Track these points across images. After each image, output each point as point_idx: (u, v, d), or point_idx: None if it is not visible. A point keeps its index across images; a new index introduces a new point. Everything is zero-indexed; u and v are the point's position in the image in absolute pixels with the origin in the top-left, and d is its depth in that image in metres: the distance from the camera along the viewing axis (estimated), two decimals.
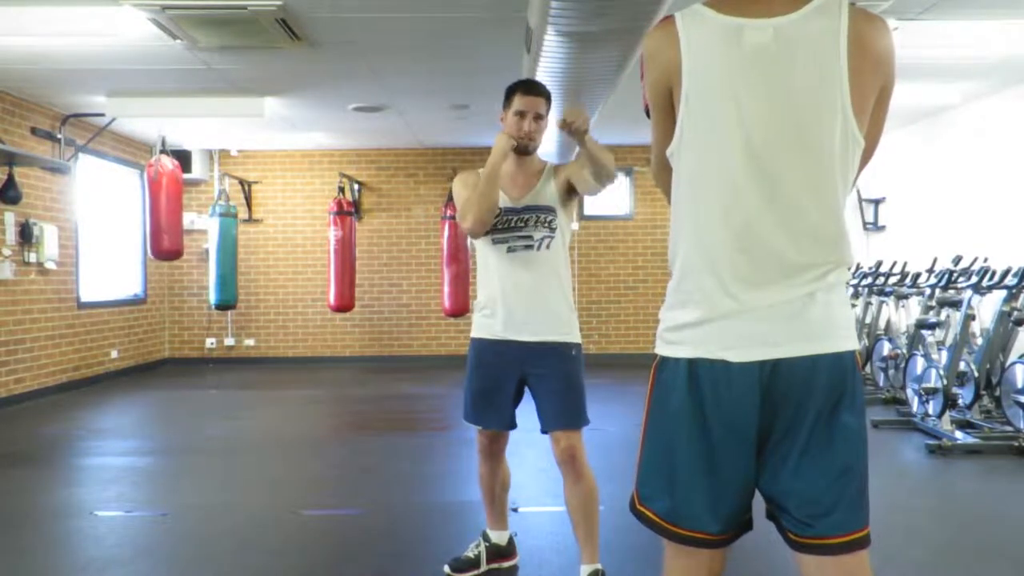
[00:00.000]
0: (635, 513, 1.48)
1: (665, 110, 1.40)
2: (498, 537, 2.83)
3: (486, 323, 2.60)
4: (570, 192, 2.59)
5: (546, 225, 2.54)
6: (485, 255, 2.60)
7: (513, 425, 2.63)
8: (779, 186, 1.33)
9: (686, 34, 1.34)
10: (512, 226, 2.53)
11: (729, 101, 1.32)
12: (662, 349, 1.45)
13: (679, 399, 1.39)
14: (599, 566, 2.56)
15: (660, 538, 1.45)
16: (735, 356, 1.34)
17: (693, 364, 1.37)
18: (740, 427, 1.36)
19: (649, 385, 1.47)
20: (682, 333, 1.40)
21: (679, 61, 1.34)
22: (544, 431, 2.56)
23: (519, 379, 2.57)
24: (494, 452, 2.71)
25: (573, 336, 2.58)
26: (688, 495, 1.39)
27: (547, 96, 2.56)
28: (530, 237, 2.52)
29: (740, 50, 1.31)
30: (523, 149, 2.54)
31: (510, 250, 2.53)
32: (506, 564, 2.83)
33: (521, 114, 2.51)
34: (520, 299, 2.52)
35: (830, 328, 1.36)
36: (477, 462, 2.78)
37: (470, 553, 2.80)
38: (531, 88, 2.55)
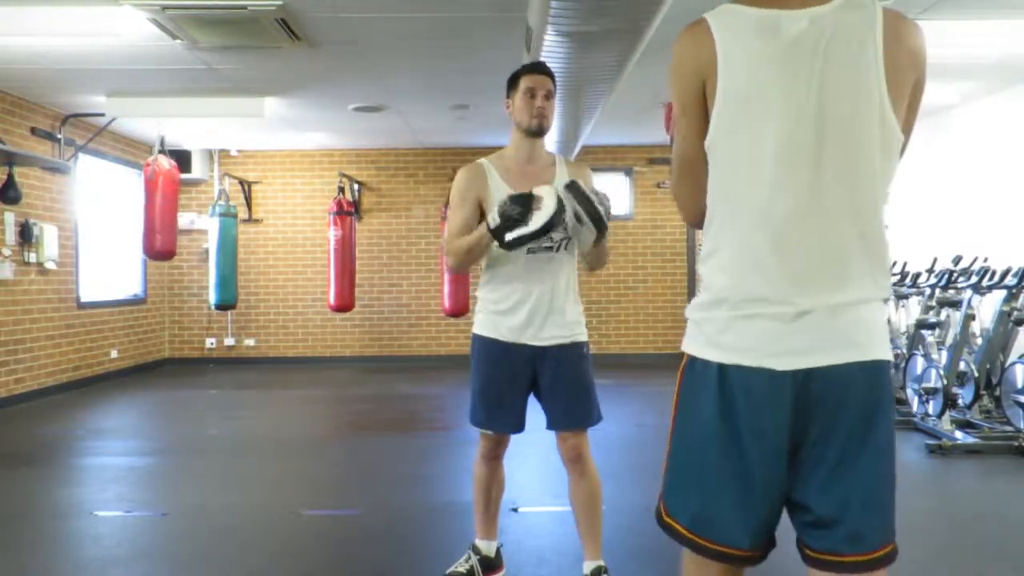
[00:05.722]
0: (662, 526, 1.42)
1: (697, 106, 1.35)
2: (487, 548, 2.71)
3: (498, 323, 2.49)
4: None
5: (564, 227, 2.47)
6: (501, 254, 2.47)
7: (522, 428, 2.54)
8: (819, 181, 1.29)
9: (720, 28, 1.31)
10: None
11: (768, 90, 1.29)
12: (693, 349, 1.39)
13: (709, 405, 1.33)
14: (602, 562, 2.54)
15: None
16: (775, 364, 1.29)
17: (724, 369, 1.32)
18: (772, 436, 1.30)
19: (676, 387, 1.41)
20: (717, 336, 1.34)
21: (714, 54, 1.30)
22: (552, 429, 2.52)
23: (531, 380, 2.50)
24: (497, 456, 2.63)
25: (584, 335, 2.54)
26: (718, 507, 1.33)
27: (553, 76, 2.49)
28: (550, 239, 2.43)
29: (778, 40, 1.29)
30: (537, 130, 2.45)
31: (530, 251, 2.43)
32: None
33: (531, 92, 2.42)
34: (540, 303, 2.45)
35: (866, 335, 1.31)
36: (475, 464, 2.67)
37: (461, 568, 2.69)
38: (537, 67, 2.48)
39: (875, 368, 1.31)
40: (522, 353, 2.48)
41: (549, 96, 2.46)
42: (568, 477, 2.55)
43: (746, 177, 1.32)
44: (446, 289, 7.73)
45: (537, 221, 2.25)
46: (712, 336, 1.35)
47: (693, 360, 1.38)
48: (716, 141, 1.34)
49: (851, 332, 1.30)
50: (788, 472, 1.33)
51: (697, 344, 1.38)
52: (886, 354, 1.34)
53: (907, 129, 1.36)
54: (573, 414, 2.49)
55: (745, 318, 1.31)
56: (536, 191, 2.29)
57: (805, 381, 1.29)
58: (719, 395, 1.32)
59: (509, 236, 2.29)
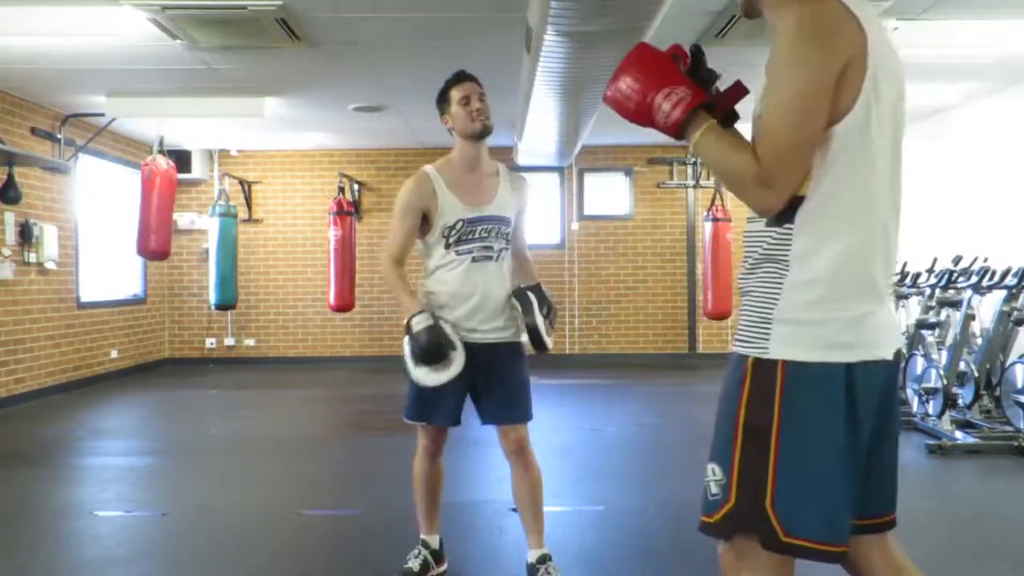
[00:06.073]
0: (780, 547, 1.32)
1: (832, 88, 1.28)
2: (433, 542, 2.80)
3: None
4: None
5: (503, 237, 2.63)
6: (443, 258, 2.59)
7: (459, 421, 2.64)
8: (893, 184, 1.40)
9: (866, 22, 1.29)
10: (476, 237, 2.57)
11: (892, 87, 1.36)
12: (803, 354, 1.32)
13: (835, 411, 1.31)
14: (547, 550, 2.64)
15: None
16: (885, 354, 1.38)
17: (851, 368, 1.32)
18: (869, 425, 1.39)
19: (777, 398, 1.32)
20: (837, 336, 1.32)
21: (865, 44, 1.28)
22: (491, 423, 2.63)
23: (469, 376, 2.56)
24: (437, 449, 2.72)
25: (518, 335, 2.67)
26: (844, 509, 1.35)
27: (479, 81, 2.67)
28: (491, 248, 2.59)
29: (894, 54, 1.37)
30: (483, 131, 2.60)
31: (474, 260, 2.57)
32: (439, 570, 2.79)
33: (466, 99, 2.59)
34: (479, 304, 2.56)
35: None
36: (415, 461, 2.73)
37: (413, 564, 2.74)
38: (463, 76, 2.66)
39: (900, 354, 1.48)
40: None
41: (483, 98, 2.63)
42: (511, 470, 2.66)
43: (869, 175, 1.35)
44: None
45: (441, 377, 2.46)
46: (833, 337, 1.32)
47: (803, 365, 1.31)
48: (852, 129, 1.30)
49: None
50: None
51: (813, 348, 1.32)
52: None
53: None
54: (517, 408, 2.62)
55: (865, 315, 1.36)
56: (452, 355, 2.48)
57: (888, 368, 1.41)
58: (847, 397, 1.32)
59: (413, 369, 2.49)
